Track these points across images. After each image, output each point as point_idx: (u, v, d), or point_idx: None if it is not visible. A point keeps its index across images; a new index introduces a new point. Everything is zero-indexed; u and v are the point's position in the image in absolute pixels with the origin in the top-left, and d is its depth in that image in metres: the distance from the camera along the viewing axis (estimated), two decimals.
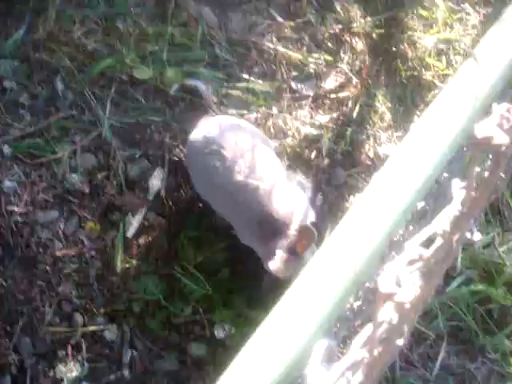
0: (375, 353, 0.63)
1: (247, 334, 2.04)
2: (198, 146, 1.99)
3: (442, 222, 0.72)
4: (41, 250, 2.11)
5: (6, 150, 2.19)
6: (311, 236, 1.75)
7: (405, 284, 0.54)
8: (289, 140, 2.34)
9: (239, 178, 1.87)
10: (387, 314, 0.59)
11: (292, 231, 1.80)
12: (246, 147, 1.93)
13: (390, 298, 0.57)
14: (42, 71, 2.32)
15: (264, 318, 2.00)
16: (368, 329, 0.63)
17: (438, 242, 0.73)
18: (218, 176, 1.91)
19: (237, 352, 2.07)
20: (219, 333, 2.09)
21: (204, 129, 2.02)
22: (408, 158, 0.77)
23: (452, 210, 0.73)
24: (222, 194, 1.94)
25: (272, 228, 1.83)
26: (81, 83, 2.30)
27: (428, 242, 0.72)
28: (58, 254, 2.11)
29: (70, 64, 2.32)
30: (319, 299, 0.65)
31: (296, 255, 1.77)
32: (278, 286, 1.77)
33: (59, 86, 2.30)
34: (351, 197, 2.33)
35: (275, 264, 1.75)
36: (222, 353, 2.08)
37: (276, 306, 0.67)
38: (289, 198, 1.91)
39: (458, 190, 0.76)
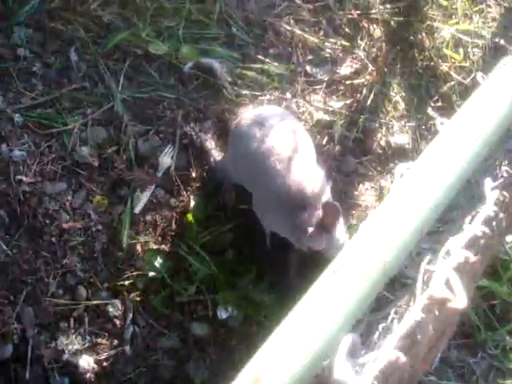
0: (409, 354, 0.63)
1: (250, 316, 2.05)
2: (244, 131, 2.03)
3: (480, 223, 0.71)
4: (47, 221, 2.10)
5: (17, 118, 2.17)
6: (336, 213, 1.78)
7: (458, 290, 0.52)
8: (302, 123, 2.32)
9: (277, 159, 1.90)
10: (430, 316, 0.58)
11: (318, 208, 1.81)
12: (287, 133, 1.97)
13: (443, 302, 0.56)
14: (57, 41, 2.30)
15: (268, 301, 1.99)
16: (402, 328, 0.62)
17: (480, 243, 0.72)
18: (258, 157, 1.94)
19: (238, 333, 2.07)
20: (222, 313, 2.09)
21: (249, 116, 2.06)
22: (441, 153, 0.75)
23: (487, 210, 0.72)
24: (259, 173, 1.95)
25: (300, 205, 1.84)
26: (95, 55, 2.28)
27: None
28: (65, 226, 2.10)
29: (84, 35, 2.29)
30: (348, 291, 0.64)
31: (325, 231, 1.78)
32: (303, 265, 1.79)
33: (73, 56, 2.27)
34: (360, 185, 2.32)
35: (309, 238, 1.77)
36: (223, 334, 2.08)
37: (303, 296, 0.66)
38: (317, 178, 1.93)
39: (491, 190, 0.75)
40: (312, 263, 1.86)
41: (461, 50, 2.55)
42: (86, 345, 2.02)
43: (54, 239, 2.08)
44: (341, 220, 1.87)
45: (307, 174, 1.91)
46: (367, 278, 0.66)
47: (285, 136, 1.95)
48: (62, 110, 2.22)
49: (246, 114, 2.08)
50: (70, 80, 2.26)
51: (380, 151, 2.39)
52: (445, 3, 2.61)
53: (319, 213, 1.80)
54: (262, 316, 2.09)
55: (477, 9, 2.62)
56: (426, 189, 0.71)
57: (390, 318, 0.76)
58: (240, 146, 2.03)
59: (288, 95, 2.36)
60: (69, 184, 2.15)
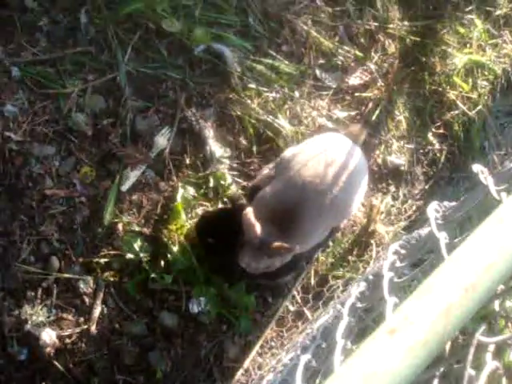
0: None
1: (222, 315, 2.01)
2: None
3: None
4: (30, 184, 2.01)
5: (15, 72, 2.07)
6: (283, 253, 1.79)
7: None
8: (302, 128, 2.28)
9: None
10: None
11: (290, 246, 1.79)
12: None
13: None
14: None
15: (243, 303, 1.94)
16: None
17: None
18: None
19: (208, 330, 2.02)
20: (194, 307, 2.04)
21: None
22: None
23: None
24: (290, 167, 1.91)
25: (279, 221, 1.81)
26: (106, 21, 2.19)
27: None
28: (48, 192, 2.02)
29: None
30: (405, 356, 0.60)
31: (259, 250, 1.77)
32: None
33: (83, 18, 2.18)
34: None
35: (242, 255, 1.79)
36: (192, 328, 2.04)
37: (356, 353, 0.61)
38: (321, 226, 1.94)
39: None
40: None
41: (470, 81, 2.53)
42: (51, 318, 1.95)
43: (34, 204, 2.01)
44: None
45: (315, 218, 1.87)
46: (426, 343, 0.62)
47: (337, 174, 1.90)
48: (62, 71, 2.13)
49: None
50: (76, 42, 2.17)
51: (375, 168, 2.36)
52: (462, 30, 2.59)
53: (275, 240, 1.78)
54: (234, 316, 2.05)
55: (492, 42, 2.61)
56: (492, 259, 0.67)
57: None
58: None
59: (295, 94, 2.31)
60: (58, 149, 2.07)
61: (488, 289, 0.66)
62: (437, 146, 2.46)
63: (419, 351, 0.62)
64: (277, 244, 1.75)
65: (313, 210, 1.84)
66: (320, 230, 1.96)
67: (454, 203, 1.26)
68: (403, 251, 1.20)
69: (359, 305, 1.12)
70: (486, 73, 2.56)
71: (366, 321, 1.16)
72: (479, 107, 2.49)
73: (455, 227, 1.13)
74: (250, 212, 1.72)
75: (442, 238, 0.90)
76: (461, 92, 2.52)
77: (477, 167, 1.09)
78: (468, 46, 2.58)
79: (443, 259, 0.87)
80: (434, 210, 1.07)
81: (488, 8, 2.66)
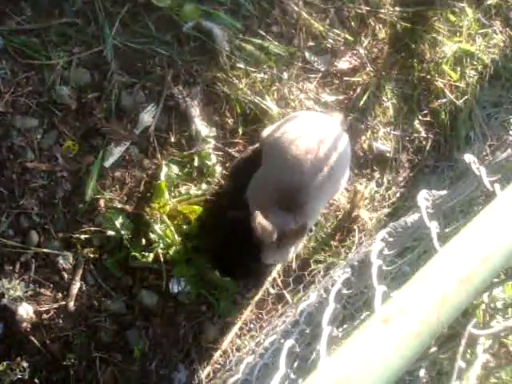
0: None
1: (202, 295, 1.99)
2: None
3: None
4: (11, 156, 1.98)
5: None
6: (302, 232, 1.74)
7: None
8: (289, 110, 2.26)
9: (310, 158, 1.82)
10: None
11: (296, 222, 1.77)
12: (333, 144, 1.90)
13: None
14: None
15: (224, 284, 1.93)
16: None
17: None
18: (295, 143, 1.85)
19: (187, 311, 2.00)
20: (174, 287, 2.03)
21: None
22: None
23: None
24: (283, 154, 1.86)
25: (288, 203, 1.79)
26: None
27: None
28: (29, 165, 1.98)
29: None
30: (398, 346, 0.59)
31: (280, 242, 1.72)
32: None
33: None
34: None
35: (265, 223, 1.70)
36: (172, 308, 2.03)
37: (347, 341, 0.60)
38: (321, 200, 1.91)
39: None
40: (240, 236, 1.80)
41: (458, 70, 2.52)
42: (29, 293, 1.92)
43: (14, 176, 1.97)
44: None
45: (318, 191, 1.84)
46: (419, 334, 0.61)
47: (329, 145, 1.88)
48: (47, 42, 2.08)
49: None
50: (62, 12, 2.12)
51: (361, 154, 2.35)
52: (453, 18, 2.57)
53: (290, 224, 1.76)
54: (214, 298, 2.04)
55: (482, 31, 2.59)
56: (488, 251, 0.66)
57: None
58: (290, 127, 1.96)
59: (284, 75, 2.28)
60: (41, 122, 2.03)
61: (483, 281, 0.65)
62: (423, 134, 2.46)
63: (412, 342, 0.61)
64: (294, 229, 1.73)
65: (315, 184, 1.82)
66: (325, 200, 1.97)
67: (442, 192, 1.25)
68: (391, 239, 1.19)
69: (345, 291, 1.10)
70: (475, 62, 2.55)
71: (350, 308, 1.15)
72: (466, 97, 2.49)
73: (439, 217, 1.12)
74: (258, 215, 1.68)
75: (434, 227, 0.89)
76: (449, 81, 2.51)
77: (468, 157, 1.08)
78: (458, 34, 2.57)
79: (434, 249, 0.86)
80: (423, 198, 1.06)
81: None
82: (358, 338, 0.61)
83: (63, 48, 2.09)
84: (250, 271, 1.89)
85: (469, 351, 0.78)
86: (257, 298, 2.10)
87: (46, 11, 2.11)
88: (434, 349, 0.76)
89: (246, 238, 1.68)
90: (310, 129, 1.91)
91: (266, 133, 2.01)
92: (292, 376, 0.96)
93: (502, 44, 2.60)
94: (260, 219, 1.65)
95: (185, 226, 2.03)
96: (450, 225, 1.04)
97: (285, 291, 2.13)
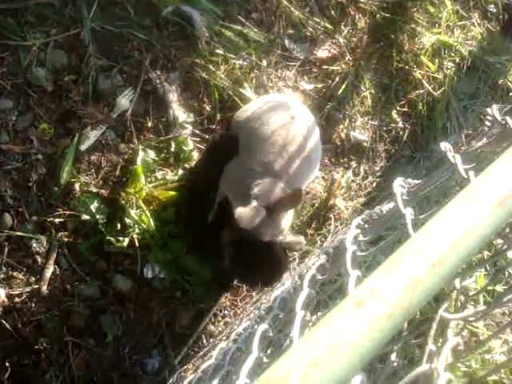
0: None
1: (176, 281, 1.98)
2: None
3: None
4: None
5: None
6: (298, 198, 1.71)
7: None
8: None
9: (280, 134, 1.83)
10: None
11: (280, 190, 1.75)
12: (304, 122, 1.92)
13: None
14: None
15: (198, 270, 1.92)
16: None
17: None
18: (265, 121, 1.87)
19: (161, 296, 2.00)
20: (148, 272, 2.02)
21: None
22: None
23: None
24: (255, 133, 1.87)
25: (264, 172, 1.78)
26: None
27: None
28: (3, 146, 1.96)
29: None
30: (370, 329, 0.59)
31: (271, 213, 1.70)
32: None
33: None
34: None
35: (244, 211, 1.66)
36: (146, 293, 2.02)
37: (319, 324, 0.60)
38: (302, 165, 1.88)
39: None
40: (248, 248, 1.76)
41: (436, 61, 2.53)
42: (1, 276, 1.91)
43: None
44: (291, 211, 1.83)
45: (294, 159, 1.84)
46: (391, 316, 0.61)
47: (298, 123, 1.89)
48: (24, 23, 2.05)
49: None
50: None
51: (338, 143, 2.36)
52: (432, 10, 2.58)
53: (278, 192, 1.74)
54: (189, 284, 2.03)
55: (461, 23, 2.61)
56: (459, 236, 0.67)
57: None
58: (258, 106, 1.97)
59: (263, 63, 2.28)
60: (16, 103, 2.00)
61: (454, 265, 0.66)
62: (400, 124, 2.47)
63: (384, 324, 0.61)
64: (289, 194, 1.72)
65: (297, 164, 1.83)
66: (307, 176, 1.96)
67: (418, 181, 1.26)
68: (366, 225, 1.20)
69: (319, 277, 1.11)
70: (453, 54, 2.57)
71: (323, 295, 1.15)
72: (444, 88, 2.50)
73: (414, 205, 1.12)
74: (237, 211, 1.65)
75: (408, 213, 0.90)
76: (427, 72, 2.52)
77: (444, 145, 1.09)
78: (437, 26, 2.58)
79: (408, 235, 0.87)
80: (399, 185, 1.06)
81: None
82: (330, 321, 0.61)
83: (40, 29, 2.06)
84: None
85: (440, 340, 0.79)
86: (231, 284, 2.10)
87: None
88: (405, 333, 0.77)
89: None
90: (284, 109, 1.92)
91: (239, 118, 1.99)
92: (265, 360, 0.96)
93: (479, 36, 2.62)
94: (239, 212, 1.63)
95: (160, 212, 2.02)
96: (428, 212, 1.05)
97: None
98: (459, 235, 0.68)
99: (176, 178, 2.07)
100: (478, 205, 0.71)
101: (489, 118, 1.11)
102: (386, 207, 1.46)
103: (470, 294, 1.05)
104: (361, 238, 1.08)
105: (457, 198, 0.74)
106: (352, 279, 0.84)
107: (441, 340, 0.80)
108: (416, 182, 1.25)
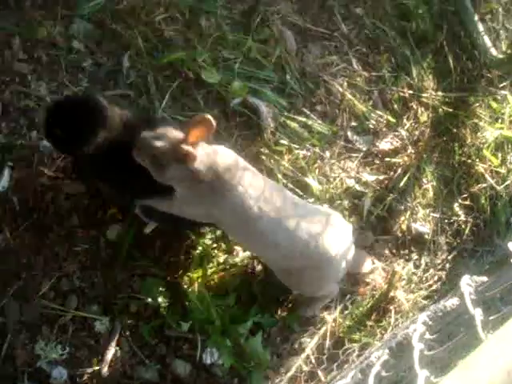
0: None
1: (235, 368, 1.97)
2: None
3: None
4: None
5: None
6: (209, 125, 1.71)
7: None
8: (330, 187, 2.29)
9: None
10: None
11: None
12: None
13: None
14: (113, 43, 2.25)
15: (260, 356, 1.91)
16: None
17: None
18: None
19: (218, 382, 1.99)
20: (207, 358, 2.02)
21: None
22: None
23: None
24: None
25: None
26: (147, 66, 2.24)
27: None
28: (78, 231, 2.04)
29: (142, 44, 2.25)
30: None
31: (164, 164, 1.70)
32: None
33: (125, 62, 2.23)
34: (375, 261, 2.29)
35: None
36: (204, 380, 2.02)
37: None
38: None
39: None
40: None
41: (500, 155, 2.54)
42: (64, 356, 1.94)
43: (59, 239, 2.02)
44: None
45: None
46: None
47: None
48: None
49: None
50: (117, 84, 2.22)
51: (399, 234, 2.36)
52: (494, 105, 2.61)
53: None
54: (246, 371, 2.03)
55: None
56: None
57: None
58: None
59: (327, 154, 2.33)
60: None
61: None
62: (462, 218, 2.46)
63: None
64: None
65: None
66: None
67: (484, 278, 1.25)
68: (431, 322, 1.19)
69: (384, 374, 1.10)
70: None
71: None
72: (507, 182, 2.49)
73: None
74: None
75: (478, 314, 0.90)
76: (490, 166, 2.52)
77: (511, 245, 1.09)
78: (500, 121, 2.60)
79: (478, 336, 0.87)
80: (466, 284, 1.06)
81: None
82: None
83: None
84: None
85: None
86: (289, 374, 2.08)
87: (101, 82, 2.21)
88: None
89: None
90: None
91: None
92: None
93: None
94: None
95: (221, 297, 2.05)
96: (489, 311, 1.04)
97: (318, 369, 2.11)
98: None
99: (237, 260, 2.11)
100: None
101: None
102: (450, 302, 1.45)
103: None
104: (427, 335, 1.08)
105: None
106: (421, 380, 0.84)
107: None
108: (482, 279, 1.24)
